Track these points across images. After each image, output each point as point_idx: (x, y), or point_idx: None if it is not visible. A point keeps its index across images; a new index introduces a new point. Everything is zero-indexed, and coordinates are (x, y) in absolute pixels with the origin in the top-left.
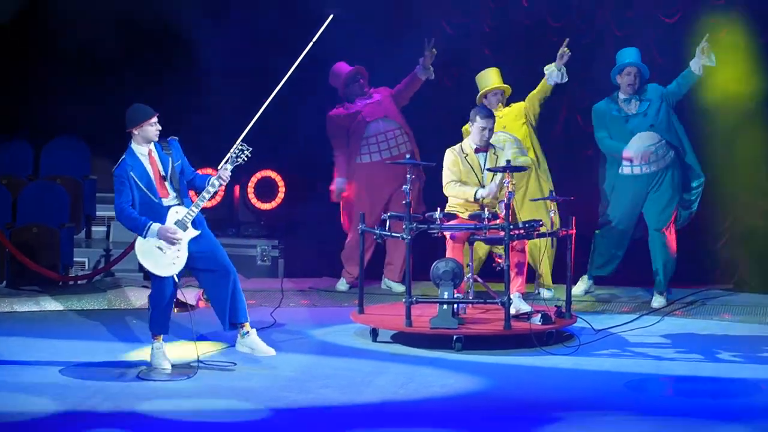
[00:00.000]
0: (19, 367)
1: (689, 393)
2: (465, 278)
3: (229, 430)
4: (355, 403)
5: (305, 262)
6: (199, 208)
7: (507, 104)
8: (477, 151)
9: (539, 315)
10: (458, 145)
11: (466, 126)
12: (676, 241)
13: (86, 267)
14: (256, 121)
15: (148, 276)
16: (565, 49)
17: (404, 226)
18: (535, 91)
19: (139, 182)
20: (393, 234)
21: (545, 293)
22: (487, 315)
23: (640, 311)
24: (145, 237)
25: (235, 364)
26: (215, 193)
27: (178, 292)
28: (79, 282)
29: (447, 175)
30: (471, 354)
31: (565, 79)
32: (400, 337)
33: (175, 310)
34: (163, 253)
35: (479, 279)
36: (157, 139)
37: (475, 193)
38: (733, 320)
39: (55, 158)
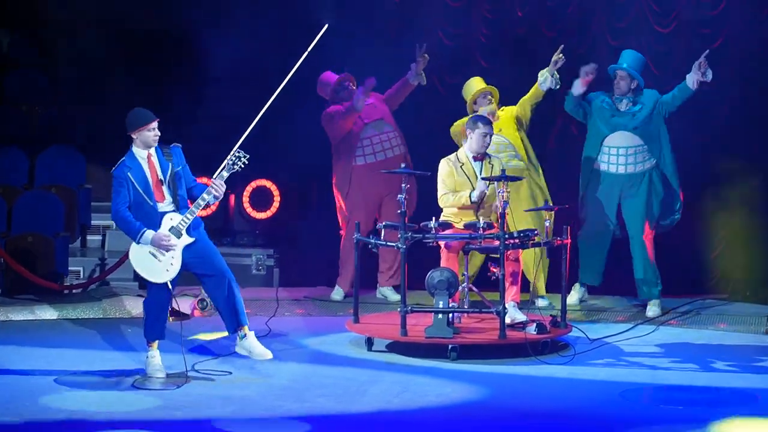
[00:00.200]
0: (14, 376)
1: (684, 402)
2: (460, 287)
3: None
4: (350, 412)
5: (300, 272)
6: (194, 216)
7: (499, 107)
8: (474, 159)
9: (534, 324)
10: (453, 155)
11: (456, 126)
12: (672, 249)
13: (81, 276)
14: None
15: (144, 285)
16: (560, 55)
17: (399, 236)
18: (527, 96)
19: (135, 184)
20: (388, 243)
21: (540, 302)
22: (482, 324)
23: (635, 321)
24: (138, 243)
25: (231, 372)
26: (211, 202)
27: (172, 301)
28: (74, 291)
29: (441, 187)
30: (466, 363)
31: (558, 85)
32: (395, 347)
33: (171, 319)
34: (157, 260)
35: (474, 288)
36: (155, 144)
37: (470, 196)
38: (727, 330)
39: (50, 167)
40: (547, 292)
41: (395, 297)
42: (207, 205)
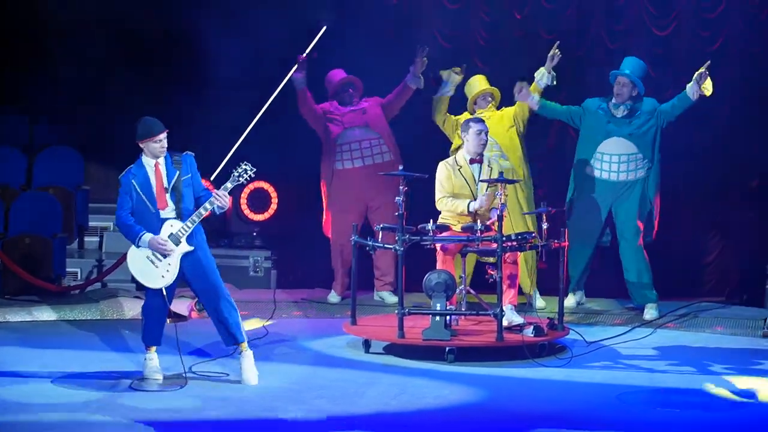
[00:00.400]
0: (12, 378)
1: (681, 405)
2: (457, 290)
3: None
4: (348, 414)
5: (298, 274)
6: (195, 224)
7: (498, 109)
8: (471, 162)
9: (531, 327)
10: (452, 158)
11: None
12: (669, 252)
13: (79, 277)
14: (249, 132)
15: (141, 287)
16: (556, 51)
17: (396, 238)
18: None
19: (138, 189)
20: (386, 245)
21: (538, 303)
22: (479, 327)
23: (632, 323)
24: (137, 246)
25: (228, 374)
26: (217, 212)
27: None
28: (71, 292)
29: (439, 190)
30: (463, 366)
31: (555, 82)
32: (392, 349)
33: (169, 321)
34: (153, 265)
35: (472, 291)
36: (162, 155)
37: (468, 207)
38: (725, 333)
39: (48, 168)
40: (542, 295)
41: (393, 299)
42: (210, 214)
